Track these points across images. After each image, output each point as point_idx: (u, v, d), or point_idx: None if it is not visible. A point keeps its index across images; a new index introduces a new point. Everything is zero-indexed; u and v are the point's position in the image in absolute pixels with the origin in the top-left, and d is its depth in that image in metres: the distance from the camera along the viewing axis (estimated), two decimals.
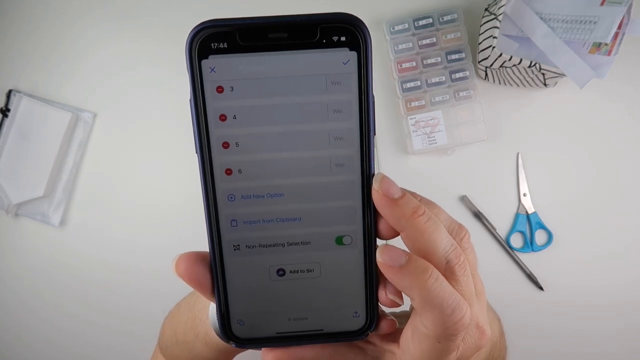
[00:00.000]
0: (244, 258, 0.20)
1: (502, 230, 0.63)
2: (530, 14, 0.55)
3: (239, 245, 0.20)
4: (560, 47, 0.53)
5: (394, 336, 0.22)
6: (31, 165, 0.64)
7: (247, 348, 0.23)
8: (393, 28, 0.61)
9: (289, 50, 0.18)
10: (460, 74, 0.60)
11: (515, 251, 0.62)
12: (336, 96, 0.18)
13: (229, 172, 0.19)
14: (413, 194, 0.21)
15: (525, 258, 0.62)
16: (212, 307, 0.28)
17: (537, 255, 0.62)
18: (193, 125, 0.18)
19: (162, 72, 0.65)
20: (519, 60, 0.54)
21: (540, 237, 0.63)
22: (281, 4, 0.65)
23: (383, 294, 0.21)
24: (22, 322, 0.66)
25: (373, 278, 0.21)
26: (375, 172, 0.20)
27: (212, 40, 0.18)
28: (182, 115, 0.68)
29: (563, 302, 0.62)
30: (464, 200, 0.62)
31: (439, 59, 0.61)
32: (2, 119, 0.64)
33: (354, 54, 0.18)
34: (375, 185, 0.19)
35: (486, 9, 0.59)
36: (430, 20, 0.61)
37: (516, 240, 0.63)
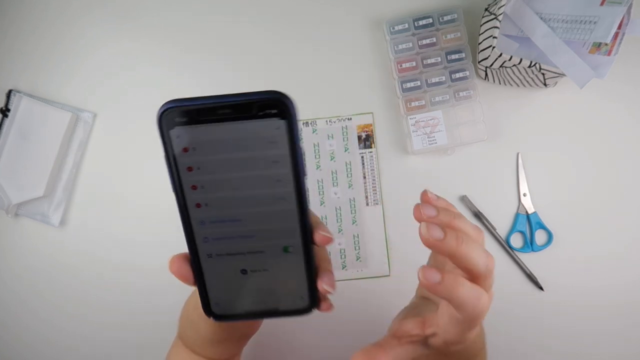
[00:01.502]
0: (216, 262, 0.27)
1: (502, 230, 0.63)
2: (530, 14, 0.55)
3: (211, 254, 0.27)
4: (560, 47, 0.53)
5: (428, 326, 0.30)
6: (31, 165, 0.64)
7: (224, 322, 0.31)
8: (393, 28, 0.61)
9: (234, 120, 0.23)
10: (460, 74, 0.60)
11: (515, 251, 0.62)
12: (273, 152, 0.24)
13: (198, 205, 0.26)
14: (447, 205, 0.29)
15: (525, 258, 0.62)
16: None
17: (537, 255, 0.62)
18: (169, 174, 0.25)
19: (161, 72, 0.65)
20: (519, 60, 0.54)
21: (540, 237, 0.63)
22: (281, 5, 0.65)
23: (320, 285, 0.28)
24: (22, 322, 0.66)
25: (312, 273, 0.28)
26: (308, 204, 0.26)
27: (175, 116, 0.23)
28: None
29: (563, 302, 0.62)
30: (464, 200, 0.62)
31: (439, 59, 0.61)
32: (2, 119, 0.64)
33: (283, 122, 0.23)
34: (420, 277, 0.25)
35: (486, 9, 0.59)
36: (430, 20, 0.61)
37: (516, 240, 0.63)
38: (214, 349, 0.43)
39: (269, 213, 0.26)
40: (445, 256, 0.25)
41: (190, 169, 0.24)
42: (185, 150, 0.24)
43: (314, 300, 0.29)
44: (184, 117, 0.23)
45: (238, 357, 0.51)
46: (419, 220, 0.26)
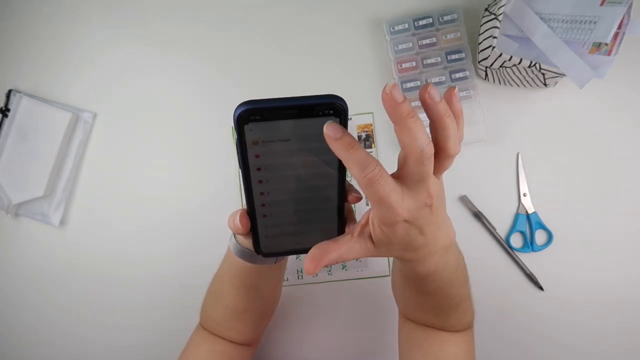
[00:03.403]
0: (268, 218, 0.35)
1: (502, 230, 0.63)
2: (530, 14, 0.55)
3: (266, 214, 0.34)
4: (560, 47, 0.53)
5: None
6: (31, 165, 0.64)
7: (270, 257, 0.39)
8: (393, 28, 0.61)
9: (297, 118, 0.28)
10: (460, 74, 0.60)
11: (515, 251, 0.62)
12: (325, 142, 0.28)
13: (260, 182, 0.32)
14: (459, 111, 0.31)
15: (525, 258, 0.62)
16: (232, 245, 0.43)
17: (537, 255, 0.62)
18: (239, 158, 0.30)
19: (162, 74, 0.65)
20: (519, 60, 0.54)
21: (540, 237, 0.63)
22: (281, 5, 0.65)
23: (348, 230, 0.35)
24: (23, 321, 0.66)
25: (342, 222, 0.36)
26: (348, 180, 0.34)
27: (250, 114, 0.28)
28: (181, 116, 0.68)
29: (563, 302, 0.62)
30: (464, 200, 0.62)
31: (439, 59, 0.61)
32: (2, 119, 0.64)
33: (337, 119, 0.28)
34: (387, 89, 0.26)
35: (486, 9, 0.59)
36: (430, 20, 0.61)
37: (516, 240, 0.63)
38: (236, 323, 0.49)
39: (316, 183, 0.32)
40: (392, 120, 0.28)
41: (257, 156, 0.30)
42: (256, 142, 0.29)
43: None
44: (257, 115, 0.28)
45: (256, 345, 0.55)
46: (422, 96, 0.28)
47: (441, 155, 0.30)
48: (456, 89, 0.31)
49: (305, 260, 0.32)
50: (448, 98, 0.30)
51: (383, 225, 0.31)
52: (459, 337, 0.45)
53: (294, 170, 0.31)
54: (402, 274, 0.41)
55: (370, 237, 0.33)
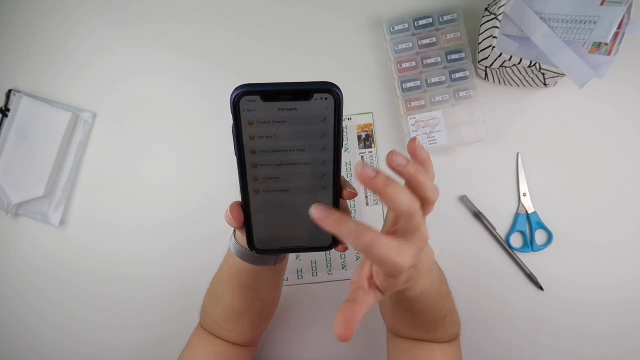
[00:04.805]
0: (263, 212, 0.34)
1: (502, 230, 0.63)
2: (530, 14, 0.55)
3: (260, 207, 0.34)
4: (560, 47, 0.53)
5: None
6: (31, 165, 0.64)
7: (264, 255, 0.40)
8: (393, 28, 0.61)
9: (293, 101, 0.28)
10: (460, 74, 0.60)
11: (515, 251, 0.62)
12: (321, 127, 0.30)
13: (254, 165, 0.31)
14: (425, 159, 0.32)
15: (525, 258, 0.62)
16: (232, 245, 0.43)
17: (537, 255, 0.62)
18: (234, 141, 0.30)
19: (162, 74, 0.65)
20: (519, 60, 0.54)
21: (540, 237, 0.63)
22: (282, 5, 0.65)
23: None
24: (23, 321, 0.66)
25: None
26: (341, 168, 0.33)
27: (246, 96, 0.28)
28: (181, 116, 0.68)
29: (563, 302, 0.62)
30: (464, 200, 0.62)
31: (439, 59, 0.61)
32: (2, 119, 0.64)
33: (332, 104, 0.29)
34: (358, 169, 0.28)
35: (486, 9, 0.59)
36: (430, 20, 0.61)
37: (516, 240, 0.63)
38: (235, 324, 0.49)
39: (311, 174, 0.32)
40: (374, 193, 0.29)
41: (252, 137, 0.30)
42: (251, 123, 0.29)
43: (335, 241, 0.36)
44: (253, 97, 0.28)
45: (255, 346, 0.56)
46: (390, 166, 0.30)
47: (423, 204, 0.31)
48: (417, 139, 0.33)
49: (336, 328, 0.31)
50: (412, 150, 0.32)
51: (390, 277, 0.32)
52: (447, 346, 0.48)
53: (287, 157, 0.31)
54: (392, 299, 0.42)
55: (377, 287, 0.33)
